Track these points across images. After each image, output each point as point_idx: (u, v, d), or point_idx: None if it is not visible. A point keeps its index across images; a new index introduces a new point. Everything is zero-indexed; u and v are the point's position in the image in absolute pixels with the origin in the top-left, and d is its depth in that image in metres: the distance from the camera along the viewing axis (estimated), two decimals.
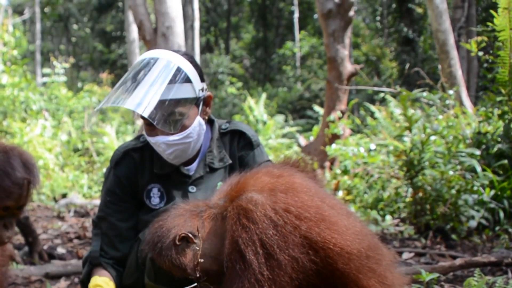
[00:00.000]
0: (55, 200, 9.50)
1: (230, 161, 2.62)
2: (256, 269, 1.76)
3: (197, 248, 1.96)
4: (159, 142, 2.42)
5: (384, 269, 1.93)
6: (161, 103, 2.31)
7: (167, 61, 2.40)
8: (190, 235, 1.95)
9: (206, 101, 2.55)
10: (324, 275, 1.85)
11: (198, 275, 1.95)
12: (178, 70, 2.39)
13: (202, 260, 1.95)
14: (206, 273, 1.96)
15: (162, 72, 2.36)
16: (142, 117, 2.39)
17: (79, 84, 24.47)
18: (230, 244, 1.84)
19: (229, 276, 1.83)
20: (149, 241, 2.01)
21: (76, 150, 12.69)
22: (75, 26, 32.73)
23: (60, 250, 5.34)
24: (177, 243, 1.94)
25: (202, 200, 2.14)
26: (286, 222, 1.80)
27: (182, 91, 2.38)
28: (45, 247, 5.19)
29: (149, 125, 2.42)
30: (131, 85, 2.34)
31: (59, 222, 7.28)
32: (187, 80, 2.40)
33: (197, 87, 2.45)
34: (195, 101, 2.44)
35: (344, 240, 1.83)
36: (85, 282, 2.53)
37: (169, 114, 2.34)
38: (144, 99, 2.29)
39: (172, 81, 2.35)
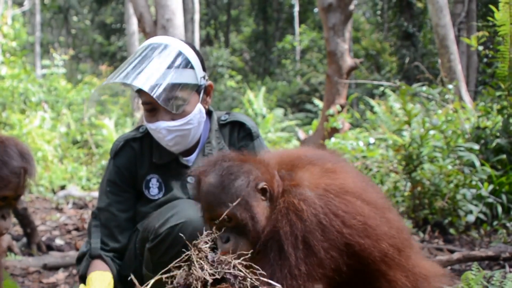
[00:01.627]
0: (54, 192, 9.52)
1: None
2: (293, 263, 1.77)
3: (267, 209, 1.91)
4: (160, 127, 2.42)
5: (412, 263, 2.00)
6: (165, 84, 2.34)
7: (171, 46, 2.44)
8: (268, 192, 1.91)
9: (207, 90, 2.57)
10: (355, 270, 1.90)
11: (253, 230, 1.88)
12: (182, 55, 2.43)
13: (265, 221, 1.89)
14: (258, 235, 1.89)
15: (166, 56, 2.39)
16: (143, 103, 2.43)
17: (79, 76, 24.41)
18: (270, 232, 1.84)
19: (259, 259, 1.82)
20: (227, 168, 1.92)
21: (75, 142, 12.69)
22: (75, 18, 32.62)
23: (58, 241, 5.36)
24: (258, 188, 1.90)
25: (266, 158, 2.05)
26: (333, 226, 1.82)
27: (185, 76, 2.41)
28: (43, 239, 5.20)
29: (150, 111, 2.44)
30: (137, 65, 2.37)
31: (57, 214, 7.30)
32: (190, 66, 2.44)
33: (199, 75, 2.48)
34: (197, 88, 2.47)
35: (381, 246, 1.88)
36: (83, 276, 2.50)
37: (172, 97, 2.36)
38: (150, 78, 2.32)
39: (176, 66, 2.39)
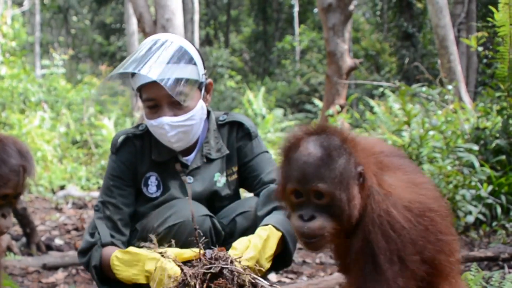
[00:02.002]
0: (53, 192, 9.52)
1: (227, 151, 2.64)
2: (390, 277, 1.72)
3: (359, 194, 1.77)
4: (163, 123, 2.42)
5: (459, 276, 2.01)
6: (174, 77, 2.37)
7: (175, 42, 2.46)
8: (363, 178, 1.77)
9: (207, 88, 2.59)
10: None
11: (345, 213, 1.75)
12: (186, 51, 2.45)
13: (358, 207, 1.77)
14: (348, 221, 1.77)
15: (171, 51, 2.42)
16: (146, 100, 2.44)
17: (78, 76, 24.41)
18: (363, 244, 1.75)
19: (356, 272, 1.78)
20: (333, 144, 1.75)
21: (74, 142, 12.71)
22: (74, 18, 32.63)
23: (58, 241, 5.36)
24: (360, 172, 1.76)
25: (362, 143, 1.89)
26: (422, 242, 1.78)
27: (189, 71, 2.43)
28: (42, 239, 5.20)
29: (152, 108, 2.45)
30: (143, 58, 2.38)
31: (57, 214, 7.31)
32: (193, 62, 2.46)
33: (201, 71, 2.50)
34: (199, 84, 2.49)
35: (450, 261, 1.87)
36: (97, 267, 2.43)
37: (179, 91, 2.38)
38: (159, 71, 2.34)
39: (181, 60, 2.41)
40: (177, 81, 2.37)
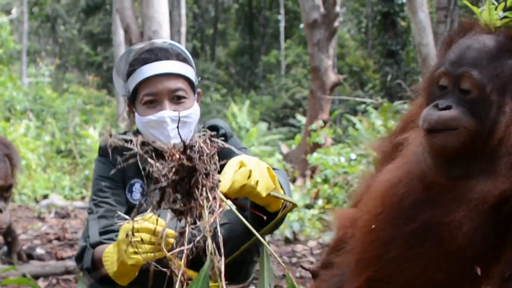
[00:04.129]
0: (36, 201, 9.45)
1: None
2: None
3: None
4: (164, 116, 2.41)
5: None
6: (180, 72, 2.44)
7: (175, 45, 2.55)
8: None
9: (198, 95, 2.64)
10: None
11: (489, 115, 1.42)
12: (185, 53, 2.54)
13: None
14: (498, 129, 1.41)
15: (173, 53, 2.48)
16: (146, 95, 2.44)
17: (65, 85, 24.32)
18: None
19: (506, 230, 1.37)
20: (501, 39, 1.52)
21: (59, 151, 12.64)
22: (62, 27, 32.55)
23: (39, 250, 5.33)
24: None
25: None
26: None
27: (189, 71, 2.50)
28: (24, 248, 5.17)
29: (151, 103, 2.45)
30: (152, 57, 2.43)
31: (39, 223, 7.26)
32: (191, 65, 2.54)
33: (196, 76, 2.57)
34: (194, 87, 2.55)
35: None
36: (90, 269, 2.36)
37: (182, 88, 2.45)
38: (167, 63, 2.42)
39: (182, 60, 2.48)
40: (182, 77, 2.45)
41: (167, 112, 2.42)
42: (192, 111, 2.50)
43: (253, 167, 1.87)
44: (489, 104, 1.41)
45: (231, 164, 1.88)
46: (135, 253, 1.94)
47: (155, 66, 2.41)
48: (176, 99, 2.45)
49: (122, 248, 2.01)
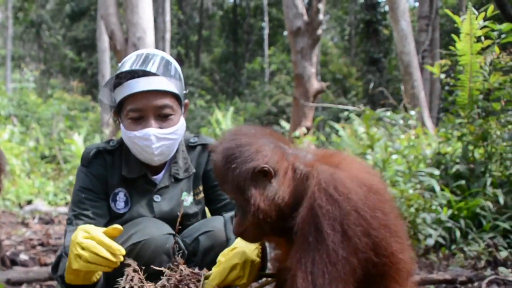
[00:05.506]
0: (20, 207, 9.39)
1: (194, 170, 2.66)
2: (330, 245, 1.69)
3: (271, 189, 1.86)
4: (149, 134, 2.40)
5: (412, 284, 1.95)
6: (166, 89, 2.41)
7: (164, 57, 2.49)
8: (273, 173, 1.85)
9: (185, 107, 2.61)
10: (374, 280, 1.84)
11: (253, 212, 1.85)
12: (174, 67, 2.49)
13: (267, 203, 1.85)
14: (262, 216, 1.85)
15: (163, 65, 2.44)
16: (131, 110, 2.40)
17: (49, 91, 24.15)
18: (308, 211, 1.75)
19: (299, 246, 1.75)
20: (230, 149, 1.87)
21: (43, 157, 12.56)
22: (47, 33, 32.31)
23: (23, 256, 5.28)
24: (257, 172, 1.83)
25: (283, 137, 2.02)
26: (366, 214, 1.75)
27: (178, 86, 2.46)
28: (8, 253, 5.13)
29: (136, 119, 2.42)
30: (138, 73, 2.39)
31: (23, 229, 7.22)
32: (180, 78, 2.49)
33: (183, 89, 2.54)
34: (181, 100, 2.52)
35: (403, 255, 1.84)
36: (63, 276, 2.34)
37: (168, 105, 2.42)
38: (153, 80, 2.38)
39: (170, 74, 2.44)
40: (169, 93, 2.41)
41: (152, 130, 2.40)
42: (178, 126, 2.48)
43: (240, 261, 2.10)
44: (243, 204, 1.87)
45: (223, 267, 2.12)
46: (80, 257, 2.05)
47: (142, 82, 2.37)
48: (163, 116, 2.42)
49: (72, 250, 2.09)
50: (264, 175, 1.84)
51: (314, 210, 1.73)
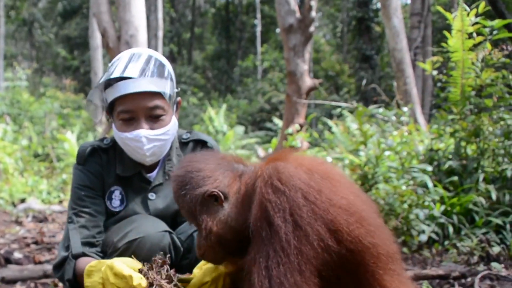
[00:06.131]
0: (14, 205, 9.36)
1: None
2: (283, 237, 1.69)
3: (222, 213, 1.91)
4: (140, 136, 2.39)
5: (401, 269, 1.91)
6: (156, 90, 2.38)
7: (155, 56, 2.47)
8: (222, 197, 1.90)
9: (177, 105, 2.60)
10: (348, 268, 1.79)
11: (206, 236, 1.92)
12: (165, 66, 2.46)
13: (220, 226, 1.91)
14: (217, 239, 1.91)
15: (154, 65, 2.42)
16: (122, 112, 2.39)
17: (42, 89, 24.04)
18: (258, 208, 1.77)
19: (255, 244, 1.76)
20: (181, 176, 1.96)
21: (36, 155, 12.53)
22: (39, 31, 32.15)
23: (17, 254, 5.27)
24: (206, 197, 1.90)
25: (240, 158, 2.06)
26: (317, 200, 1.74)
27: (168, 86, 2.43)
28: (1, 252, 5.12)
29: (127, 120, 2.41)
30: (126, 69, 2.37)
31: (16, 227, 7.21)
32: (170, 78, 2.47)
33: (174, 88, 2.51)
34: (173, 99, 2.49)
35: (374, 239, 1.79)
36: (71, 281, 2.37)
37: (159, 106, 2.40)
38: (143, 81, 2.35)
39: (161, 74, 2.41)
40: (160, 94, 2.38)
41: (143, 131, 2.39)
42: (170, 127, 2.47)
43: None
44: (197, 227, 1.96)
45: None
46: None
47: (132, 83, 2.35)
48: (154, 117, 2.41)
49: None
50: (215, 200, 1.90)
51: (263, 205, 1.75)
